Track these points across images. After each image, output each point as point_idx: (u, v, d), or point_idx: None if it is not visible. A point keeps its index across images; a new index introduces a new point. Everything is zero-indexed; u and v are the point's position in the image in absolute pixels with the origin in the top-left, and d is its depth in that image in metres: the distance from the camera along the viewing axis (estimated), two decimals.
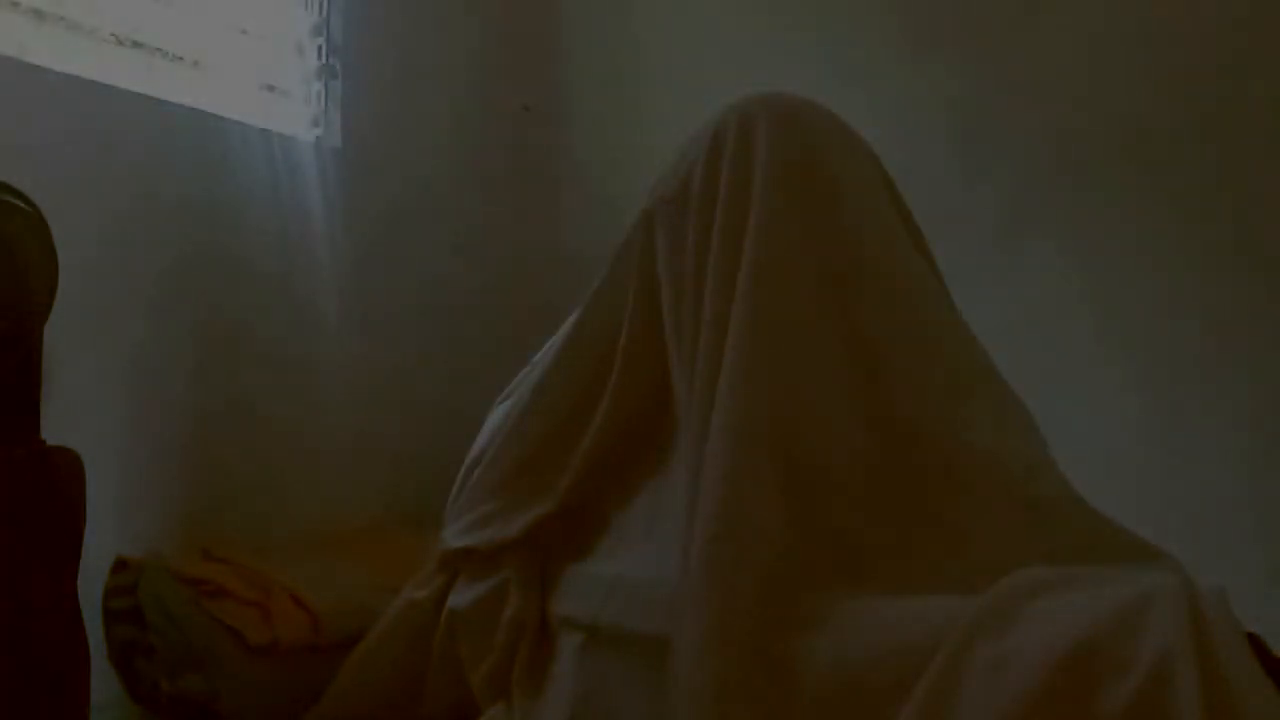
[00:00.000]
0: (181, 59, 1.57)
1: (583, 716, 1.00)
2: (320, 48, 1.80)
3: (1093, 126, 1.54)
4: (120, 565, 1.34)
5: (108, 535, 1.31)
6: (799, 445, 0.95)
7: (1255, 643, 0.72)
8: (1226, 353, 1.44)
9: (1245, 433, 1.42)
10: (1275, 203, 1.41)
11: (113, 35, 1.47)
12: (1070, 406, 1.50)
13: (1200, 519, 1.42)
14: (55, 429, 1.06)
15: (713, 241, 1.02)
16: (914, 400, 0.98)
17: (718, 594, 0.88)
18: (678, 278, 1.07)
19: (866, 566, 0.90)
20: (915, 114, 1.68)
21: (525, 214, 2.14)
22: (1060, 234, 1.57)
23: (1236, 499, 1.41)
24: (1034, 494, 0.92)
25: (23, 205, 1.05)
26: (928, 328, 1.03)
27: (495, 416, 1.31)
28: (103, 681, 1.22)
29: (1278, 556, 1.37)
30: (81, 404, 1.32)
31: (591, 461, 1.13)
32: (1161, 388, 1.48)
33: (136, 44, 1.50)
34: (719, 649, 0.86)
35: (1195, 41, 1.47)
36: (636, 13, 2.05)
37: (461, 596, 1.16)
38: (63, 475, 1.04)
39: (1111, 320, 1.52)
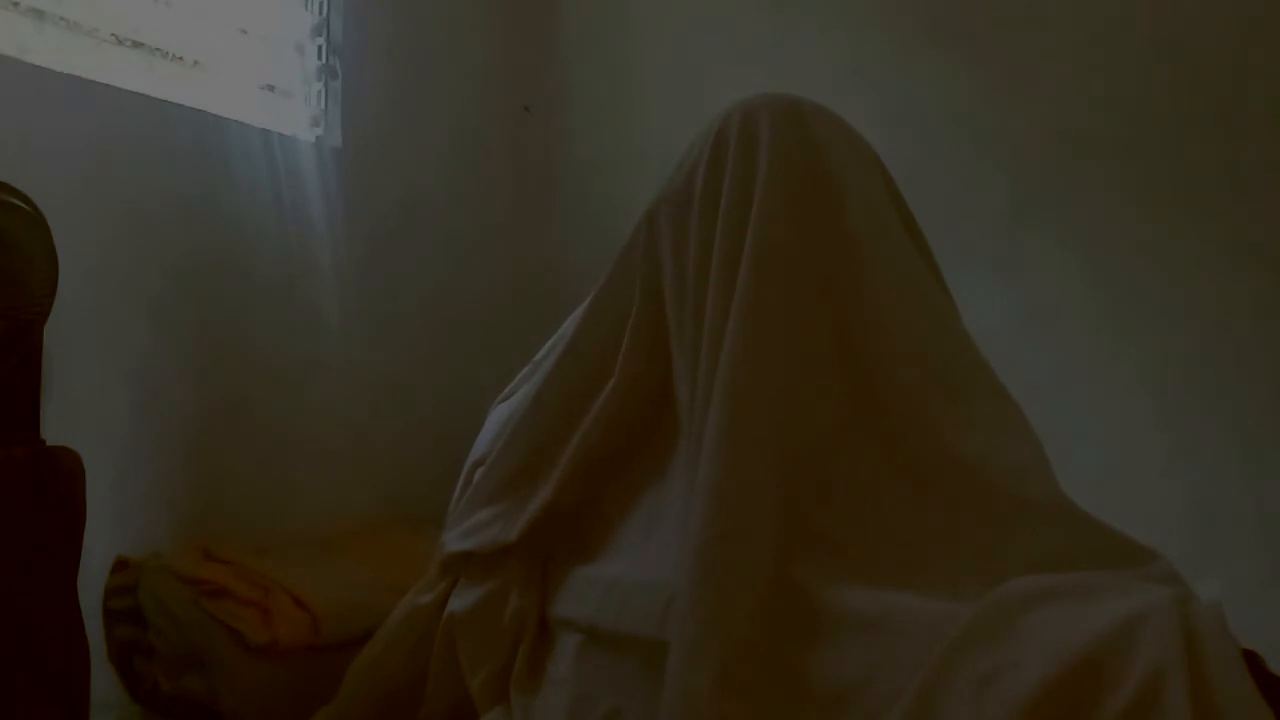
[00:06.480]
0: (181, 59, 1.57)
1: (581, 718, 1.00)
2: (320, 48, 1.81)
3: (1094, 124, 1.54)
4: (120, 565, 1.34)
5: (108, 535, 1.31)
6: (793, 448, 0.95)
7: (1252, 660, 0.72)
8: (1227, 352, 1.44)
9: (1245, 433, 1.42)
10: (1277, 200, 1.41)
11: (113, 35, 1.47)
12: (1071, 406, 1.50)
13: (1200, 519, 1.42)
14: (55, 429, 1.06)
15: (715, 242, 1.02)
16: (906, 403, 0.98)
17: (713, 596, 0.88)
18: (680, 278, 1.07)
19: (859, 570, 0.90)
20: (916, 114, 1.68)
21: (525, 214, 2.14)
22: (1061, 233, 1.57)
23: (1236, 499, 1.41)
24: (1024, 496, 0.92)
25: (23, 205, 1.05)
26: (924, 330, 1.03)
27: (496, 417, 1.31)
28: (103, 681, 1.22)
29: (1278, 556, 1.37)
30: (81, 404, 1.32)
31: (588, 461, 1.13)
32: (1162, 387, 1.48)
33: (136, 44, 1.50)
34: (716, 649, 0.86)
35: (1197, 38, 1.47)
36: (636, 14, 2.06)
37: (461, 600, 1.15)
38: (63, 475, 1.04)
39: (1112, 319, 1.53)
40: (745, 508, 0.92)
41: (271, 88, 1.73)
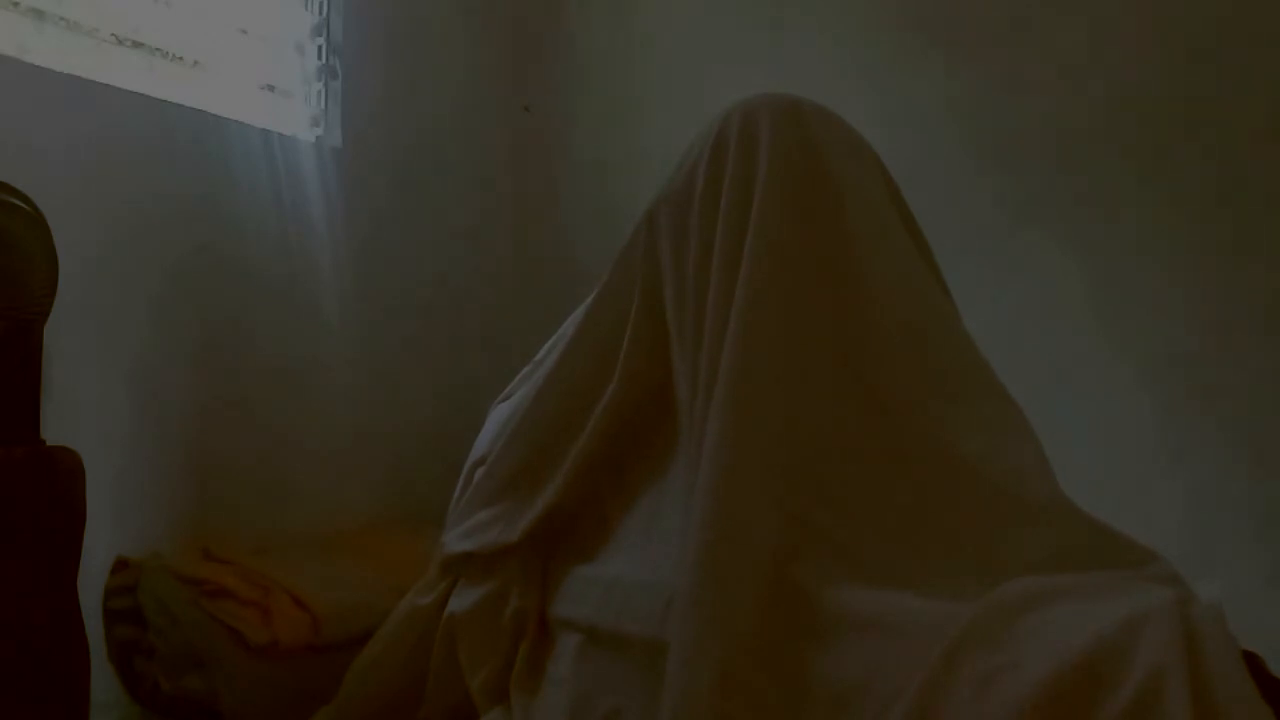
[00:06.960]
0: (181, 59, 1.57)
1: (581, 718, 1.00)
2: (320, 48, 1.81)
3: (1093, 124, 1.54)
4: (120, 565, 1.34)
5: (108, 535, 1.31)
6: (793, 450, 0.95)
7: (1252, 661, 0.72)
8: (1227, 351, 1.44)
9: (1245, 433, 1.42)
10: (1275, 199, 1.41)
11: (113, 35, 1.47)
12: (1070, 405, 1.50)
13: (1200, 519, 1.42)
14: (55, 429, 1.06)
15: (716, 243, 1.02)
16: (906, 403, 0.98)
17: (713, 596, 0.88)
18: (680, 279, 1.07)
19: (859, 570, 0.90)
20: (916, 113, 1.68)
21: (525, 214, 2.14)
22: (1061, 232, 1.57)
23: (1236, 499, 1.41)
24: (1024, 497, 0.92)
25: (23, 205, 1.05)
26: (923, 330, 1.03)
27: (496, 417, 1.31)
28: (103, 681, 1.22)
29: (1278, 556, 1.37)
30: (81, 404, 1.32)
31: (589, 462, 1.13)
32: (1161, 386, 1.48)
33: (136, 44, 1.50)
34: (716, 649, 0.86)
35: (1196, 37, 1.47)
36: (637, 13, 2.05)
37: (461, 600, 1.16)
38: (63, 475, 1.03)
39: (1112, 319, 1.53)
40: (745, 508, 0.91)
41: (271, 88, 1.73)
